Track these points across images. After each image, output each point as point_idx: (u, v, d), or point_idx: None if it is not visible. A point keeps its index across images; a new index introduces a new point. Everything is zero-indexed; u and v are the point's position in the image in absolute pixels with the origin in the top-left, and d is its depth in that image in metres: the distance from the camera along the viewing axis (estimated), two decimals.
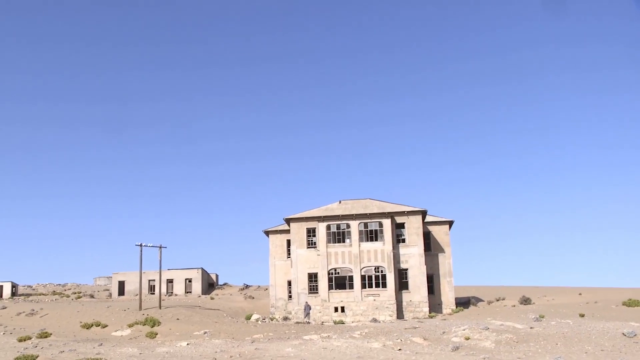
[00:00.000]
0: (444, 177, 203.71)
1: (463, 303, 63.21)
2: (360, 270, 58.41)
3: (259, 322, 55.26)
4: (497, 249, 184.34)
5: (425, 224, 61.62)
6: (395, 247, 58.99)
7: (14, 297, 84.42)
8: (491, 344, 34.31)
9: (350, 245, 59.29)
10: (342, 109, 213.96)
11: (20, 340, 42.72)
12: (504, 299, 65.08)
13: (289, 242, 63.33)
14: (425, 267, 58.79)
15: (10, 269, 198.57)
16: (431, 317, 55.61)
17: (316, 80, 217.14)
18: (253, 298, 76.06)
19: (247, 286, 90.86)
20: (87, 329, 51.53)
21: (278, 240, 65.02)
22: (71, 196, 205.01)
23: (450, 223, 63.28)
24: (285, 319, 59.42)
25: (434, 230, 62.76)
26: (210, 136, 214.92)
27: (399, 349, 33.02)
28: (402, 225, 60.07)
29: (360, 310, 57.19)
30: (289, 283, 62.46)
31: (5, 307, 65.87)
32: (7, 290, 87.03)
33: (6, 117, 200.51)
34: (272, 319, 58.78)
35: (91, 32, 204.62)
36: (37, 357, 30.12)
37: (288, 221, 62.13)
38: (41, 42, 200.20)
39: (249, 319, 57.93)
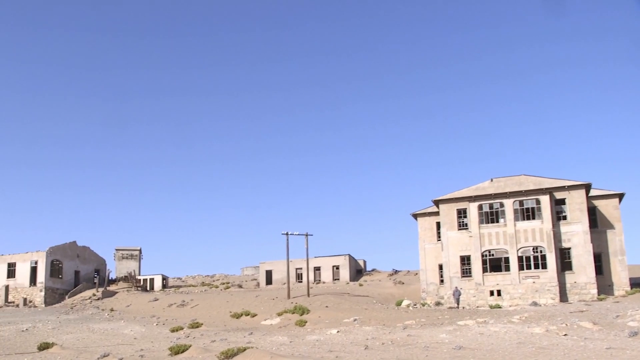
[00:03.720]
0: (611, 147, 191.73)
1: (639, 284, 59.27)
2: (517, 251, 56.57)
3: (410, 307, 55.11)
4: None
5: (589, 198, 58.36)
6: (555, 225, 56.45)
7: (165, 289, 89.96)
8: None
9: (505, 225, 57.56)
10: (483, 89, 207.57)
11: (172, 331, 45.37)
12: None
13: (438, 224, 62.60)
14: (591, 245, 55.72)
15: (161, 262, 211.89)
16: (600, 299, 52.66)
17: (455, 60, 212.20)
18: (403, 283, 75.91)
19: (396, 271, 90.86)
20: (237, 318, 53.86)
21: (427, 223, 64.46)
22: (217, 189, 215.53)
23: (621, 196, 59.39)
24: (438, 304, 58.87)
25: (601, 204, 59.21)
26: (357, 122, 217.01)
27: (565, 335, 31.49)
28: (562, 202, 57.31)
29: (518, 294, 55.44)
30: (440, 267, 61.76)
31: (157, 299, 70.41)
32: (158, 283, 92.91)
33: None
34: (423, 305, 58.49)
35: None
36: (189, 346, 31.43)
37: (437, 203, 61.39)
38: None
39: (400, 305, 57.93)
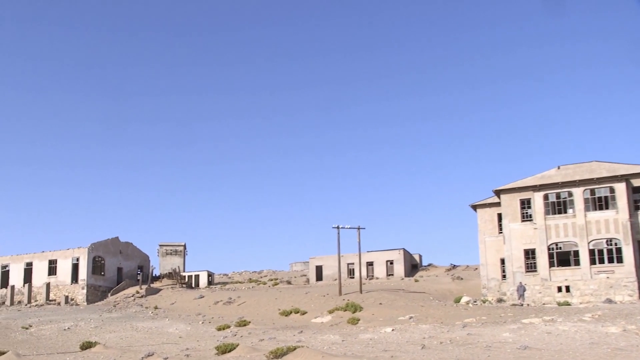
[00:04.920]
0: None
1: None
2: (588, 243, 55.25)
3: (470, 305, 54.71)
4: None
5: None
6: (633, 215, 54.80)
7: (211, 286, 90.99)
8: None
9: (574, 215, 56.30)
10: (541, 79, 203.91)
11: (219, 329, 45.94)
12: None
13: (500, 216, 61.60)
14: None
15: (206, 258, 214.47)
16: None
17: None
18: (461, 279, 75.25)
19: (454, 266, 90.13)
20: (286, 316, 54.23)
21: (487, 215, 63.56)
22: (264, 182, 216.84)
23: None
24: (500, 301, 58.11)
25: None
26: (409, 114, 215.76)
27: None
28: None
29: (590, 290, 54.16)
30: (502, 261, 60.84)
31: (203, 297, 71.26)
32: (203, 280, 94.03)
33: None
34: (484, 302, 57.83)
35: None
36: (237, 345, 31.69)
37: (498, 193, 60.46)
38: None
39: (458, 301, 57.56)
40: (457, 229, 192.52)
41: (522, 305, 52.78)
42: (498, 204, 61.37)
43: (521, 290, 54.83)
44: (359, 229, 65.30)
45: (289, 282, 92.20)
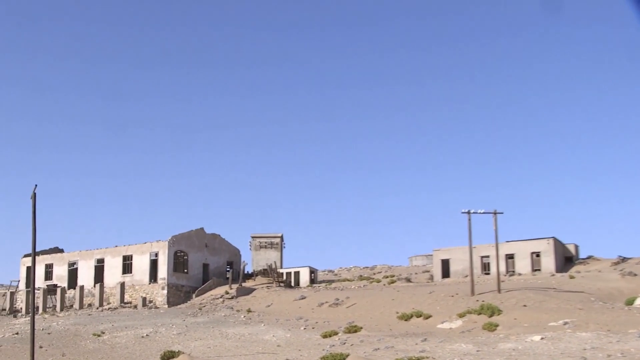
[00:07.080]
0: None
1: None
2: None
3: None
4: None
5: None
6: None
7: (313, 285, 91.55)
8: None
9: None
10: None
11: (324, 336, 46.19)
12: None
13: None
14: None
15: (308, 252, 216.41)
16: None
17: None
18: (634, 275, 72.54)
19: (623, 259, 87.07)
20: (406, 320, 54.06)
21: None
22: (376, 164, 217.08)
23: None
24: None
25: None
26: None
27: None
28: None
29: None
30: None
31: (305, 297, 71.71)
32: (304, 277, 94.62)
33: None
34: None
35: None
36: (347, 355, 31.90)
37: None
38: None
39: (631, 303, 55.41)
40: (627, 213, 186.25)
41: None
42: None
43: None
44: (495, 213, 63.73)
45: (408, 280, 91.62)
